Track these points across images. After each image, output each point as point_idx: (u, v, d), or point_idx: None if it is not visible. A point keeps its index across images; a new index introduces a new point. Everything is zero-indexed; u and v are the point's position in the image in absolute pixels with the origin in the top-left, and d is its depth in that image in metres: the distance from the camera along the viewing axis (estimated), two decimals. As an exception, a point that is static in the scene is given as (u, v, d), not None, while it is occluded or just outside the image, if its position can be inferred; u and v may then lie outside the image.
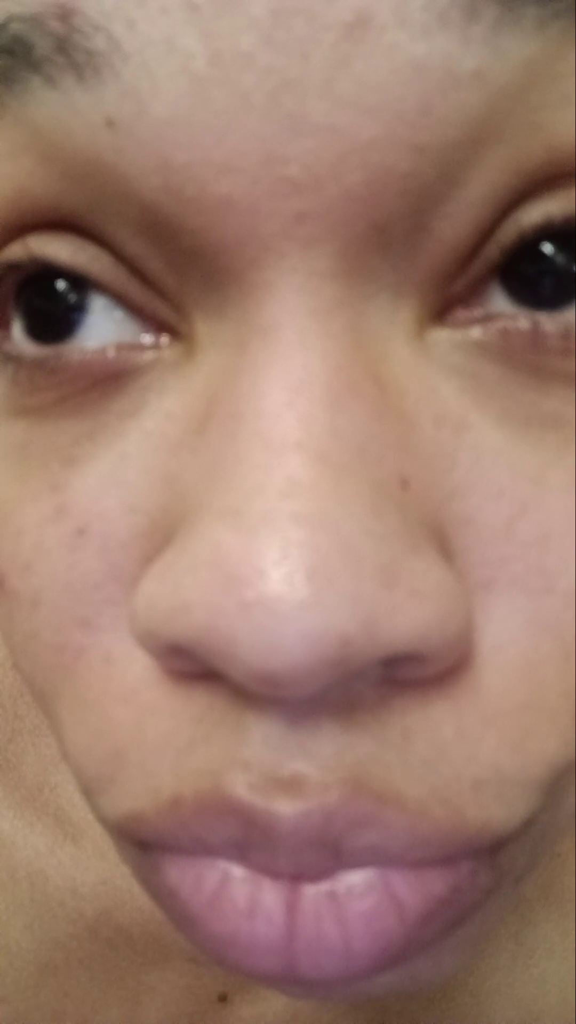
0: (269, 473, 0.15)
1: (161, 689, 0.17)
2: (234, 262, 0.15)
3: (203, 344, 0.17)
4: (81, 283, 0.17)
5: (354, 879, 0.16)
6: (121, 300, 0.17)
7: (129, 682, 0.17)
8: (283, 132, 0.15)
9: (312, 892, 0.16)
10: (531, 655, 0.16)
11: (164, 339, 0.17)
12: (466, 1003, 0.27)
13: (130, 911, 0.28)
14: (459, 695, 0.16)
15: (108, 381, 0.17)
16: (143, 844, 0.18)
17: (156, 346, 0.17)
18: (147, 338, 0.17)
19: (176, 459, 0.17)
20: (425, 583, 0.15)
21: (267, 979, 0.17)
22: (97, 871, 0.28)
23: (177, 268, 0.16)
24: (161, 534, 0.17)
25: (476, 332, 0.16)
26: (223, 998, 0.29)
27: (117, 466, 0.17)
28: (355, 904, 0.16)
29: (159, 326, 0.17)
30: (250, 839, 0.16)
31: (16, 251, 0.17)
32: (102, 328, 0.17)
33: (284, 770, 0.16)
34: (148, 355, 0.17)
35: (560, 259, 0.16)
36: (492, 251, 0.16)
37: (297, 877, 0.16)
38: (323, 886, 0.16)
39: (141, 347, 0.17)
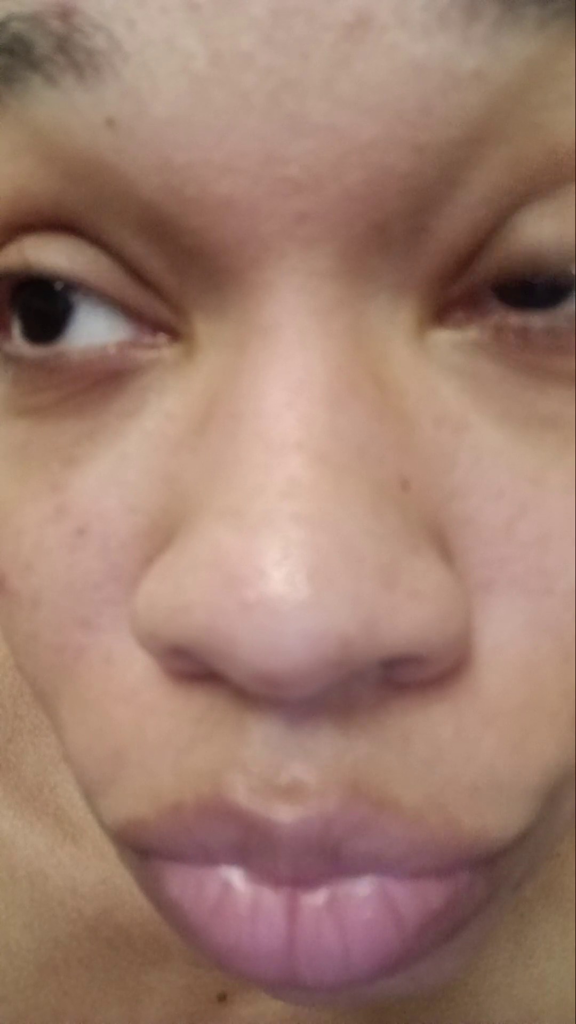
0: (269, 473, 0.15)
1: (161, 689, 0.17)
2: (234, 262, 0.15)
3: (203, 344, 0.17)
4: (79, 285, 0.17)
5: (353, 890, 0.16)
6: (120, 301, 0.17)
7: (129, 682, 0.17)
8: (283, 132, 0.15)
9: (312, 902, 0.16)
10: (531, 656, 0.16)
11: (164, 339, 0.17)
12: (465, 1003, 0.27)
13: (130, 911, 0.28)
14: (458, 696, 0.16)
15: (108, 381, 0.17)
16: (144, 851, 0.18)
17: (156, 346, 0.17)
18: (147, 338, 0.17)
19: (176, 459, 0.17)
20: (425, 584, 0.15)
21: (268, 985, 0.17)
22: (97, 871, 0.28)
23: (177, 268, 0.16)
24: (161, 534, 0.17)
25: (474, 332, 0.16)
26: (222, 998, 0.29)
27: (117, 466, 0.17)
28: (354, 914, 0.16)
29: (159, 326, 0.17)
30: (250, 844, 0.16)
31: (12, 257, 0.17)
32: (101, 329, 0.17)
33: (284, 774, 0.16)
34: (148, 355, 0.17)
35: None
36: (492, 257, 0.16)
37: (297, 882, 0.16)
38: (322, 896, 0.16)
39: (141, 347, 0.17)
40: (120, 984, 0.29)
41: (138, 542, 0.17)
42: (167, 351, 0.17)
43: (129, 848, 0.18)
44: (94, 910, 0.28)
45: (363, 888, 0.16)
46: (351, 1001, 0.18)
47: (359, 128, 0.14)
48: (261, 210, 0.15)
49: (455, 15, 0.14)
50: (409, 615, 0.15)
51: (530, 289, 0.16)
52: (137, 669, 0.17)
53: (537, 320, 0.16)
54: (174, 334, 0.17)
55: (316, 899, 0.16)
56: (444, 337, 0.16)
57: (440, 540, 0.16)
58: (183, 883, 0.17)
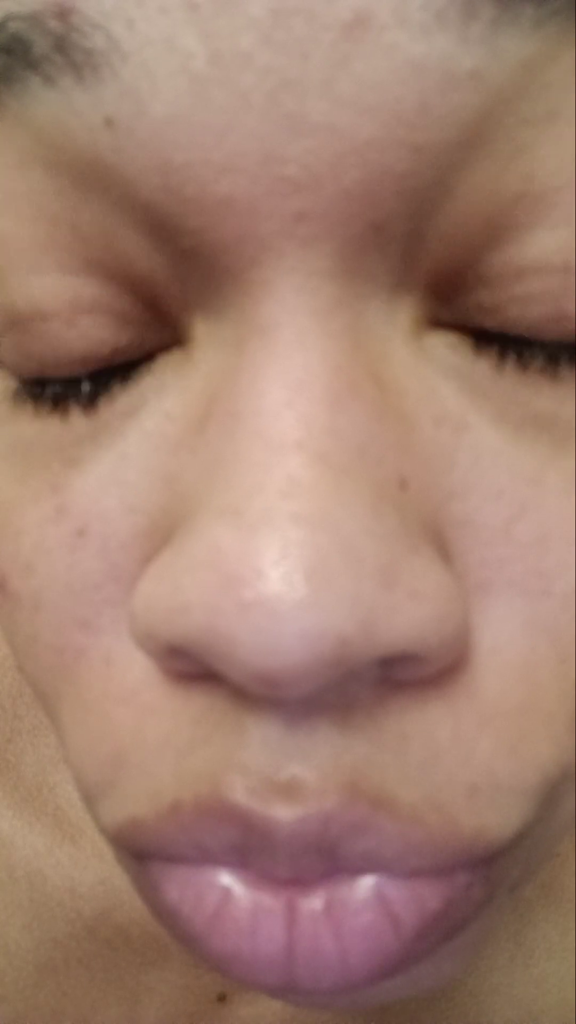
0: (268, 472, 0.15)
1: (160, 690, 0.17)
2: (233, 262, 0.15)
3: (202, 344, 0.17)
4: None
5: (350, 894, 0.16)
6: (119, 302, 0.17)
7: (129, 683, 0.17)
8: (282, 132, 0.15)
9: (310, 907, 0.16)
10: (528, 657, 0.16)
11: (163, 340, 0.17)
12: (465, 1003, 0.27)
13: (128, 911, 0.28)
14: (456, 697, 0.16)
15: (108, 381, 0.17)
16: (142, 855, 0.18)
17: (155, 347, 0.17)
18: (146, 339, 0.17)
19: (176, 459, 0.17)
20: (424, 584, 0.15)
21: (268, 990, 0.17)
22: (96, 871, 0.28)
23: (177, 269, 0.16)
24: (161, 534, 0.17)
25: (470, 333, 0.16)
26: (222, 998, 0.29)
27: (117, 466, 0.17)
28: (352, 921, 0.16)
29: (158, 327, 0.17)
30: (249, 844, 0.16)
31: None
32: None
33: (282, 774, 0.16)
34: (147, 355, 0.17)
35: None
36: (489, 262, 0.16)
37: (295, 884, 0.16)
38: (320, 900, 0.16)
39: (140, 347, 0.17)
40: (119, 984, 0.29)
41: (138, 542, 0.17)
42: (167, 351, 0.17)
43: (127, 852, 0.18)
44: (93, 910, 0.28)
45: (360, 893, 0.16)
46: (351, 1004, 0.18)
47: (358, 128, 0.14)
48: (260, 210, 0.15)
49: (453, 15, 0.14)
50: (407, 615, 0.15)
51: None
52: (136, 670, 0.17)
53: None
54: (174, 335, 0.17)
55: (314, 904, 0.16)
56: (441, 338, 0.16)
57: (439, 540, 0.16)
58: (182, 890, 0.17)
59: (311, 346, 0.15)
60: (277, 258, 0.15)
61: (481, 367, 0.16)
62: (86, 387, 0.18)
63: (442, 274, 0.16)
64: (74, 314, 0.17)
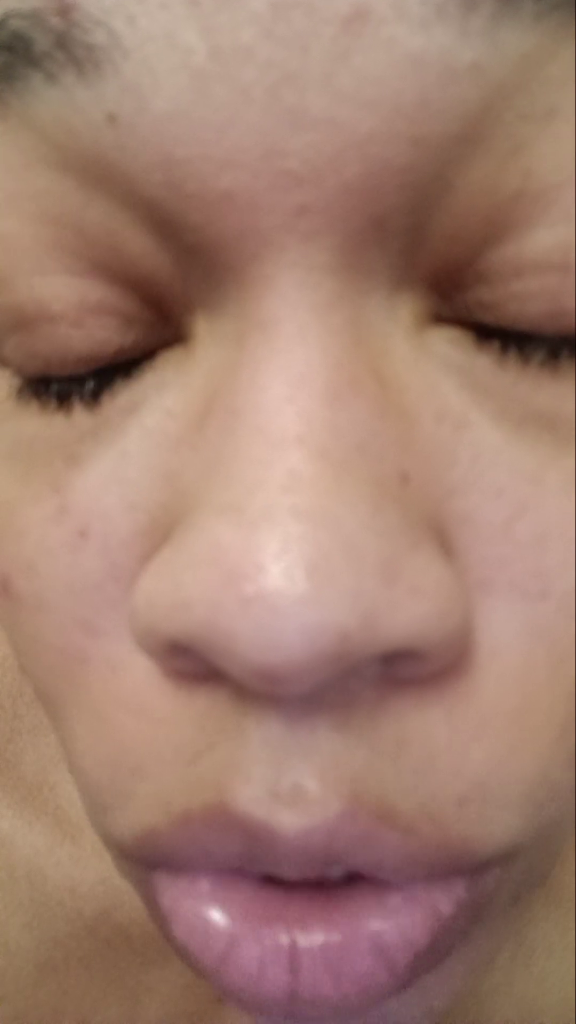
0: (269, 467, 0.15)
1: (163, 695, 0.17)
2: (234, 257, 0.15)
3: (203, 341, 0.17)
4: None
5: (348, 946, 0.17)
6: (124, 303, 0.17)
7: (133, 689, 0.17)
8: (283, 126, 0.15)
9: (311, 957, 0.17)
10: (524, 663, 0.16)
11: (164, 336, 0.17)
12: (466, 1002, 0.27)
13: (129, 911, 0.28)
14: (454, 701, 0.16)
15: (110, 379, 0.17)
16: (154, 864, 0.18)
17: (156, 344, 0.17)
18: (148, 337, 0.17)
19: (177, 456, 0.17)
20: (425, 580, 0.15)
21: (271, 1018, 0.17)
22: (96, 870, 0.28)
23: (180, 267, 0.16)
24: (161, 532, 0.17)
25: (471, 329, 0.16)
26: (222, 998, 0.29)
27: (118, 464, 0.17)
28: (349, 967, 0.17)
29: (161, 326, 0.17)
30: (254, 852, 0.16)
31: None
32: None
33: (284, 779, 0.16)
34: (148, 353, 0.17)
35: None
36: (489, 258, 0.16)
37: (296, 918, 0.17)
38: (319, 946, 0.17)
39: (144, 346, 0.17)
40: (119, 984, 0.28)
41: (138, 540, 0.17)
42: (167, 348, 0.17)
43: (139, 863, 0.18)
44: (93, 909, 0.28)
45: (358, 944, 0.17)
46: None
47: (358, 121, 0.14)
48: (261, 204, 0.15)
49: (453, 8, 0.14)
50: (408, 611, 0.15)
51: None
52: (138, 674, 0.17)
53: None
54: (176, 333, 0.17)
55: (314, 954, 0.17)
56: (442, 333, 0.16)
57: (441, 536, 0.16)
58: (189, 932, 0.18)
59: (312, 342, 0.15)
60: (278, 253, 0.15)
61: (482, 362, 0.16)
62: (90, 384, 0.18)
63: (442, 271, 0.16)
64: (81, 315, 0.17)
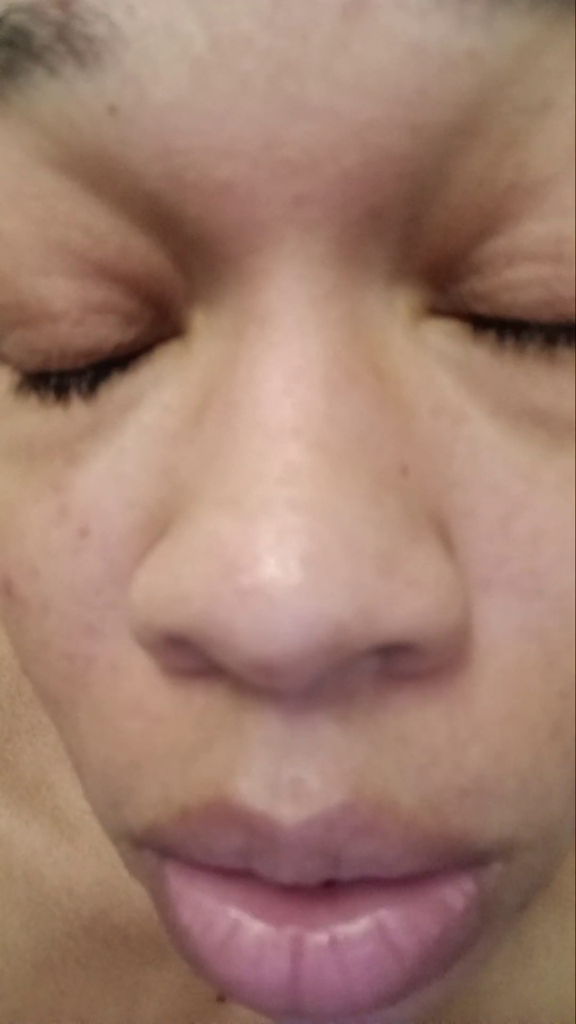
0: (267, 460, 0.15)
1: (161, 693, 0.17)
2: (233, 249, 0.15)
3: (201, 335, 0.17)
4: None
5: (352, 929, 0.17)
6: (127, 302, 0.17)
7: (134, 691, 0.17)
8: (283, 115, 0.15)
9: (314, 943, 0.17)
10: (520, 662, 0.16)
11: (162, 331, 0.17)
12: (465, 1002, 0.27)
13: (127, 911, 0.28)
14: (453, 698, 0.16)
15: (107, 375, 0.17)
16: (164, 851, 0.18)
17: (153, 339, 0.17)
18: (149, 334, 0.17)
19: (174, 451, 0.17)
20: (424, 573, 0.15)
21: (272, 1014, 0.17)
22: (93, 870, 0.28)
23: (180, 261, 0.16)
24: (158, 528, 0.17)
25: (467, 320, 0.16)
26: (221, 998, 0.29)
27: (116, 461, 0.17)
28: (354, 952, 0.17)
29: (161, 323, 0.17)
30: (253, 848, 0.16)
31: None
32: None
33: (284, 774, 0.16)
34: (145, 348, 0.17)
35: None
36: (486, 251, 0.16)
37: (299, 914, 0.17)
38: (323, 936, 0.17)
39: (143, 343, 0.17)
40: (117, 983, 0.28)
41: (135, 537, 0.17)
42: (164, 343, 0.17)
43: (152, 851, 0.18)
44: (91, 909, 0.28)
45: (361, 928, 0.17)
46: None
47: (357, 110, 0.15)
48: (260, 194, 0.15)
49: None
50: (407, 604, 0.15)
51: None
52: (139, 674, 0.17)
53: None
54: (175, 328, 0.17)
55: (318, 940, 0.17)
56: (440, 327, 0.16)
57: (442, 530, 0.16)
58: (194, 915, 0.17)
59: (309, 334, 0.15)
60: (276, 244, 0.15)
61: (479, 354, 0.16)
62: (87, 377, 0.18)
63: (437, 262, 0.16)
64: (82, 314, 0.17)
